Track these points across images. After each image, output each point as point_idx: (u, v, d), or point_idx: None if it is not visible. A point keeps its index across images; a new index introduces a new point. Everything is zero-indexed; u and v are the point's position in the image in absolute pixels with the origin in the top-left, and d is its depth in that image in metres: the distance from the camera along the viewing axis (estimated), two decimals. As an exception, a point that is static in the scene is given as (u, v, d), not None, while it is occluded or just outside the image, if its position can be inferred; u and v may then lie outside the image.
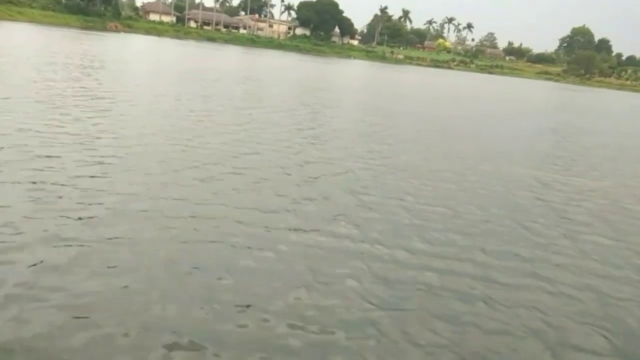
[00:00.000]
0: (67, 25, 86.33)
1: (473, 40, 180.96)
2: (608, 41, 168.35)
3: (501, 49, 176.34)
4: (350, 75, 59.98)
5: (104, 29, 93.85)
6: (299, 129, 16.46)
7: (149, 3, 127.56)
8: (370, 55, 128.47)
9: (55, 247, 5.98)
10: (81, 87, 18.96)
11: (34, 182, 8.01)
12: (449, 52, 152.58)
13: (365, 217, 8.42)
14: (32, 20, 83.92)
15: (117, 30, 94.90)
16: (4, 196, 7.35)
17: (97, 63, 29.82)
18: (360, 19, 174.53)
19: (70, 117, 13.15)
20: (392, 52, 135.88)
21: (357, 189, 9.97)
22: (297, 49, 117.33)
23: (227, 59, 58.67)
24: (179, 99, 19.65)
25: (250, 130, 14.81)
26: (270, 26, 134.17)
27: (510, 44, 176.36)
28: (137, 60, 39.96)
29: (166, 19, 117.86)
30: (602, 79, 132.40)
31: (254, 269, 6.13)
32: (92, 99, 16.54)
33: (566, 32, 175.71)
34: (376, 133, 17.63)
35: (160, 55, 49.92)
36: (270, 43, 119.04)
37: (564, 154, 18.09)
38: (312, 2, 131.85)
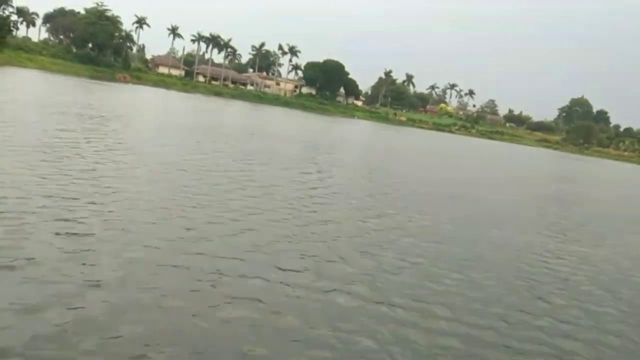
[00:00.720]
0: (76, 74, 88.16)
1: (474, 106, 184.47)
2: (606, 113, 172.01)
3: (502, 115, 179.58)
4: (356, 135, 61.00)
5: (113, 79, 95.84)
6: (312, 187, 16.85)
7: (159, 56, 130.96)
8: (373, 116, 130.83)
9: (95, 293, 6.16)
10: (92, 138, 19.42)
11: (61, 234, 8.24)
12: (450, 116, 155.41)
13: (382, 278, 8.62)
14: (41, 67, 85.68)
15: (125, 81, 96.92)
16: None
17: (109, 114, 30.54)
18: (365, 81, 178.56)
19: (84, 168, 13.49)
20: (394, 114, 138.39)
21: (372, 250, 10.21)
22: (303, 107, 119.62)
23: (234, 115, 59.84)
24: (190, 153, 20.08)
25: (264, 188, 15.16)
26: (277, 84, 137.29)
27: (510, 111, 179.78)
28: (148, 113, 40.84)
29: (175, 72, 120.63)
30: (600, 149, 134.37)
31: (274, 326, 6.30)
32: (110, 151, 16.96)
33: (565, 102, 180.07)
34: (386, 195, 17.98)
35: (170, 108, 50.93)
36: (277, 100, 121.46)
37: (567, 223, 18.38)
38: (319, 62, 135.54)
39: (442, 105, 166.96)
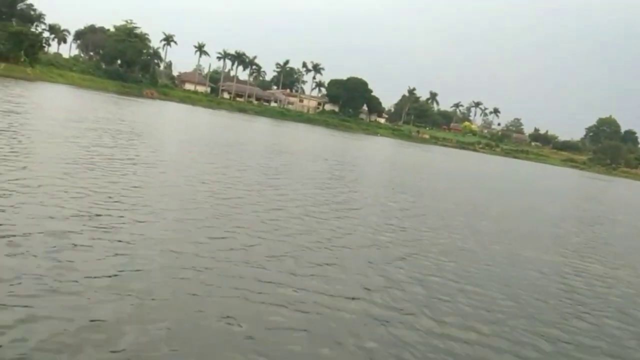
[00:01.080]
0: (105, 89, 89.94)
1: (499, 124, 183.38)
2: (634, 133, 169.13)
3: (527, 134, 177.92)
4: (379, 152, 60.83)
5: (140, 95, 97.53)
6: (336, 202, 16.87)
7: (185, 73, 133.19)
8: (396, 134, 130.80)
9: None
10: (128, 154, 19.60)
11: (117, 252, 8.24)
12: (474, 134, 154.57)
13: (400, 289, 8.58)
14: (71, 83, 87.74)
15: (152, 97, 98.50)
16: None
17: (140, 130, 30.91)
18: (389, 98, 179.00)
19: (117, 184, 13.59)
20: (417, 132, 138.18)
21: (389, 263, 10.28)
22: (326, 124, 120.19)
23: (259, 132, 60.16)
24: (218, 167, 20.12)
25: (291, 201, 15.14)
26: (301, 101, 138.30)
27: (536, 130, 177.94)
28: (179, 129, 41.25)
29: (201, 89, 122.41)
30: (628, 169, 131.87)
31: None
32: (144, 166, 17.09)
33: (592, 121, 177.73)
34: (408, 210, 17.93)
35: (198, 125, 51.39)
36: (300, 117, 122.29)
37: (595, 243, 17.96)
38: (342, 80, 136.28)
39: (467, 123, 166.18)
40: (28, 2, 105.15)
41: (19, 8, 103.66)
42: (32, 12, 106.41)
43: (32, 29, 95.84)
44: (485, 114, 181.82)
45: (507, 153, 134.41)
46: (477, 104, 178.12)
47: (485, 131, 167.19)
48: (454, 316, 8.01)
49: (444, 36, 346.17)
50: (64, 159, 15.57)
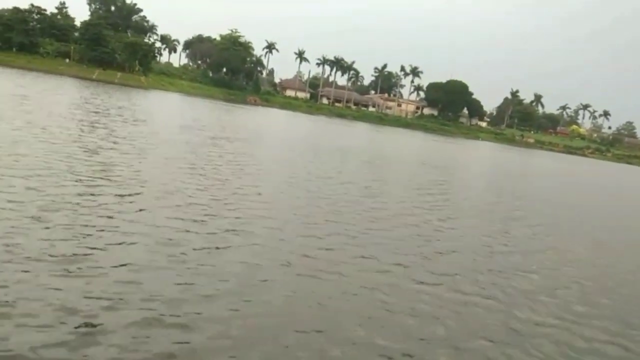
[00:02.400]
0: (211, 96, 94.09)
1: (610, 128, 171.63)
2: None
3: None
4: (485, 158, 58.82)
5: (244, 101, 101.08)
6: (435, 206, 16.43)
7: (286, 80, 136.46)
8: (498, 138, 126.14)
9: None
10: (248, 161, 20.18)
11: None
12: (583, 139, 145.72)
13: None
14: (181, 90, 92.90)
15: (255, 104, 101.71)
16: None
17: (256, 137, 31.85)
18: (490, 101, 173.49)
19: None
20: (521, 136, 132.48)
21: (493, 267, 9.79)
22: (424, 128, 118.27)
23: (362, 137, 60.09)
24: (344, 176, 20.20)
25: (399, 206, 14.90)
26: (399, 105, 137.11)
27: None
28: (289, 135, 42.17)
29: (301, 95, 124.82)
30: None
31: None
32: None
33: None
34: (523, 217, 17.32)
35: (305, 130, 52.26)
36: (398, 121, 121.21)
37: None
38: (441, 83, 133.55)
39: (574, 126, 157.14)
40: (142, 14, 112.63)
41: (133, 20, 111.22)
42: (146, 24, 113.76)
43: (146, 40, 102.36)
44: (595, 117, 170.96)
45: (619, 158, 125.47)
46: (586, 107, 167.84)
47: (595, 135, 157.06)
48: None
49: (550, 37, 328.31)
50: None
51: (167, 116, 38.87)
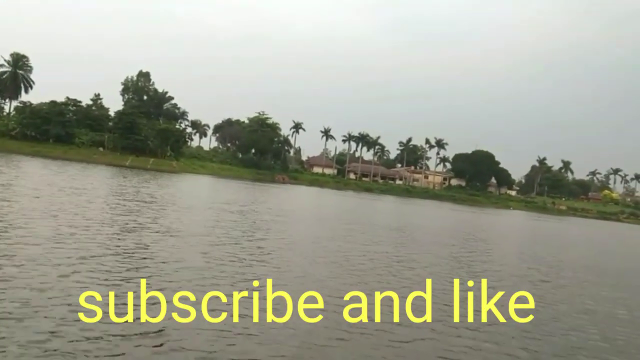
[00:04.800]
0: (241, 177, 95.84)
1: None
2: None
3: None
4: (522, 228, 57.88)
5: (272, 180, 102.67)
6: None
7: (313, 157, 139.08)
8: (529, 206, 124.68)
9: None
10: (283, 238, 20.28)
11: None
12: (616, 203, 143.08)
13: None
14: (212, 173, 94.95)
15: (283, 182, 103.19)
16: None
17: (290, 215, 32.18)
18: (518, 170, 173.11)
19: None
20: (553, 203, 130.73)
21: None
22: (452, 199, 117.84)
23: (391, 211, 60.02)
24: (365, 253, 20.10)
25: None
26: (426, 177, 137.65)
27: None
28: (322, 213, 42.43)
29: (328, 171, 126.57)
30: None
31: None
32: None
33: None
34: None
35: (335, 207, 52.52)
36: (425, 193, 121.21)
37: None
38: (467, 154, 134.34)
39: (607, 191, 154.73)
40: (173, 101, 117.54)
41: (165, 108, 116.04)
42: (177, 111, 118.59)
43: (177, 126, 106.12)
44: (626, 181, 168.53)
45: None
46: (616, 171, 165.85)
47: (628, 199, 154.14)
48: None
49: (570, 97, 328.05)
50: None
51: (211, 198, 39.69)
